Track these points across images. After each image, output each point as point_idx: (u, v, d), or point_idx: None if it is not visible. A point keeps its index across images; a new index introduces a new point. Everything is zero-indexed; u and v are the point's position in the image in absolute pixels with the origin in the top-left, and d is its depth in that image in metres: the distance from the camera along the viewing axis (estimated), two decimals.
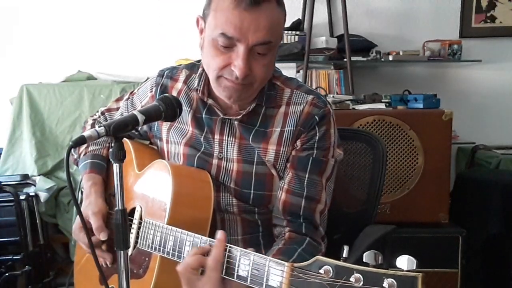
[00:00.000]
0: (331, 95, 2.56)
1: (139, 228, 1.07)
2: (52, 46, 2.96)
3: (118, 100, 1.35)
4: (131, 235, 1.08)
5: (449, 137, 2.14)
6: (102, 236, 1.05)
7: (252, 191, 1.12)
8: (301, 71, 2.72)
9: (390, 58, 2.74)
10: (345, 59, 2.66)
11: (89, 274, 1.19)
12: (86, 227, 0.88)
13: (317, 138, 1.09)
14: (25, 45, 2.96)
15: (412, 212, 2.12)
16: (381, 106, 2.33)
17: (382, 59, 2.79)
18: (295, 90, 1.13)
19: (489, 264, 2.33)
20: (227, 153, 1.12)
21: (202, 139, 1.14)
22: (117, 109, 1.33)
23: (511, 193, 2.20)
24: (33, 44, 2.96)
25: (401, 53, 2.76)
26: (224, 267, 0.86)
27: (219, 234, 0.88)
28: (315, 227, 1.10)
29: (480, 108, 2.99)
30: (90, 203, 1.12)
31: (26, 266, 2.39)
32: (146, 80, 1.33)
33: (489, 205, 2.25)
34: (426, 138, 2.10)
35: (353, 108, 2.32)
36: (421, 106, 2.22)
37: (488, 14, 2.95)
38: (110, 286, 1.06)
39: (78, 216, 1.10)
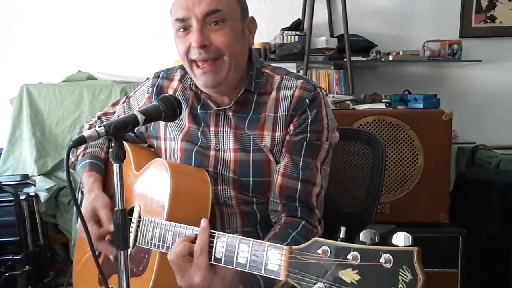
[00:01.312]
0: (331, 95, 2.56)
1: (138, 226, 1.08)
2: (52, 46, 2.96)
3: (114, 104, 1.37)
4: (130, 234, 1.08)
5: (449, 137, 2.14)
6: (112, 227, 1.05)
7: (251, 179, 1.13)
8: (301, 71, 2.71)
9: (390, 58, 2.74)
10: (345, 59, 2.66)
11: (89, 275, 1.19)
12: (86, 227, 0.88)
13: (309, 121, 1.11)
14: (25, 45, 2.96)
15: (412, 212, 2.12)
16: (381, 106, 2.33)
17: (382, 59, 2.79)
18: (284, 76, 1.16)
19: (489, 264, 2.33)
20: (223, 144, 1.14)
21: (199, 133, 1.17)
22: (113, 113, 1.34)
23: (511, 193, 2.21)
24: (33, 44, 2.96)
25: (401, 53, 2.76)
26: (223, 255, 0.86)
27: (203, 222, 0.91)
28: (311, 210, 1.11)
29: (480, 108, 2.99)
30: (97, 197, 1.13)
31: (26, 266, 2.39)
32: (146, 80, 1.34)
33: (489, 205, 2.25)
34: (426, 138, 2.10)
35: (353, 108, 2.32)
36: (421, 106, 2.23)
37: (488, 14, 2.95)
38: (110, 287, 1.06)
39: (84, 207, 1.12)
